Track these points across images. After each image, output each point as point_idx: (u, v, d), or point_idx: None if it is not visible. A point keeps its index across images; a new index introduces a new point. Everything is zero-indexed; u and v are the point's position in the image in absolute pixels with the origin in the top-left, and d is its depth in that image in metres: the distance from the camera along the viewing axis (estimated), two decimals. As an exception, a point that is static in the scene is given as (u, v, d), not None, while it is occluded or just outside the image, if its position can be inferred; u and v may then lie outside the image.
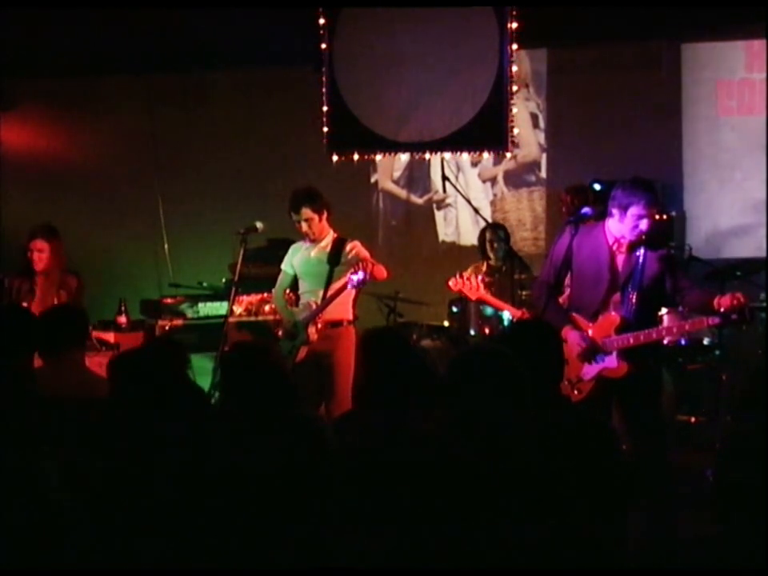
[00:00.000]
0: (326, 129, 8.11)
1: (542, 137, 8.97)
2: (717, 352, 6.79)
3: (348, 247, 6.08)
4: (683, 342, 6.97)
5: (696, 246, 7.37)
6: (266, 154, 9.19)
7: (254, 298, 7.33)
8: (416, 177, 9.26)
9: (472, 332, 7.12)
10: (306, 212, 6.06)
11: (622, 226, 4.85)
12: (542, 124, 8.95)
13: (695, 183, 8.35)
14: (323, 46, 8.06)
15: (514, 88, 7.76)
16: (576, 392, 4.84)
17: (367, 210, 9.35)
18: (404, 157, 8.70)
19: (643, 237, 4.86)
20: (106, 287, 8.35)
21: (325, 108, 8.10)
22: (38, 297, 6.15)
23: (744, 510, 3.25)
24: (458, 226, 9.17)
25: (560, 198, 7.00)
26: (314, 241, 6.16)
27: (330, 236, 6.16)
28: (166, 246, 8.97)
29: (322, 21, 8.02)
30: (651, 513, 4.70)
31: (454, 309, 7.47)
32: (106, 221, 9.39)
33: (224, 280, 7.83)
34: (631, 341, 4.80)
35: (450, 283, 6.02)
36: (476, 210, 7.28)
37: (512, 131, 7.75)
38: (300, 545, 3.25)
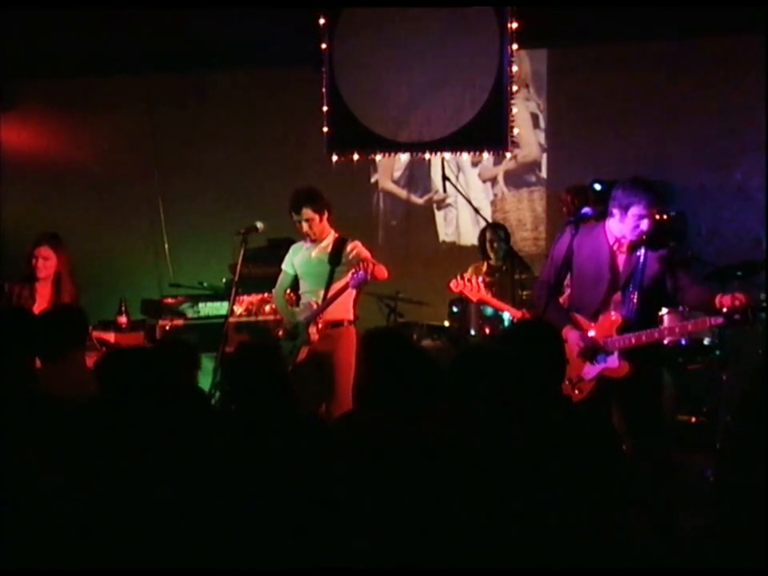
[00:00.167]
0: (325, 129, 8.11)
1: (542, 137, 8.97)
2: (717, 352, 6.78)
3: (349, 247, 6.09)
4: (683, 342, 6.97)
5: (696, 246, 7.36)
6: (266, 154, 9.19)
7: (255, 298, 7.34)
8: (416, 177, 9.26)
9: (472, 332, 7.12)
10: (307, 212, 6.07)
11: (622, 225, 4.86)
12: (542, 124, 8.95)
13: (695, 183, 8.34)
14: (323, 46, 8.06)
15: (514, 88, 7.75)
16: (577, 392, 4.84)
17: (367, 210, 9.35)
18: (404, 157, 8.70)
19: (644, 237, 4.87)
20: (106, 287, 8.36)
21: (325, 108, 8.10)
22: (37, 303, 6.15)
23: (744, 510, 3.25)
24: (459, 226, 9.17)
25: (560, 198, 7.00)
26: (315, 241, 6.16)
27: (330, 236, 6.16)
28: (166, 246, 8.97)
29: (322, 21, 8.02)
30: (651, 513, 4.70)
31: (455, 309, 7.47)
32: (105, 221, 9.40)
33: (224, 280, 7.83)
34: (633, 341, 4.81)
35: (452, 285, 6.01)
36: (476, 210, 7.27)
37: (512, 131, 7.75)
38: (300, 544, 3.25)
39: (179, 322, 7.42)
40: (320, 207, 6.11)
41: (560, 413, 3.61)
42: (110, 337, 6.66)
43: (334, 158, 8.14)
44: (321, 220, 6.11)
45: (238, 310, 7.22)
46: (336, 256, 6.08)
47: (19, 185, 9.55)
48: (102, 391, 3.81)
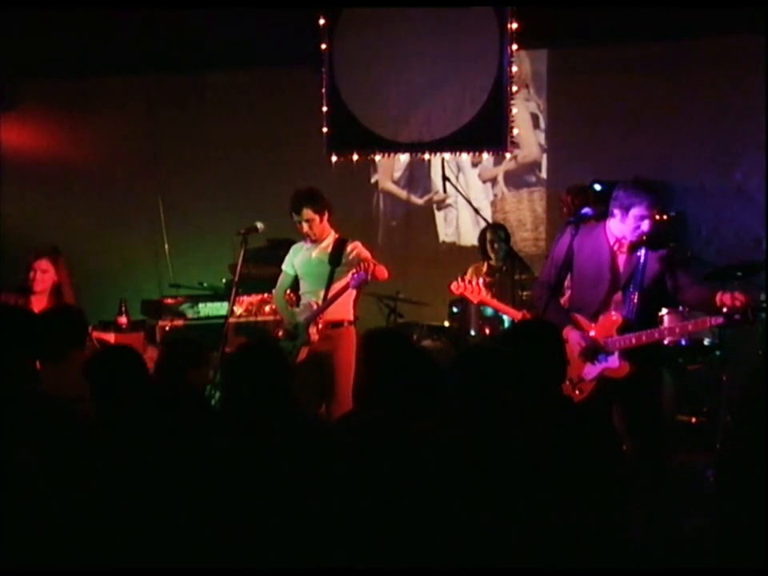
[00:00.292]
0: (325, 129, 8.11)
1: (542, 137, 8.97)
2: (717, 352, 6.78)
3: (349, 248, 6.08)
4: (684, 342, 6.97)
5: (696, 247, 7.35)
6: (266, 154, 9.19)
7: (255, 298, 7.34)
8: (416, 177, 9.25)
9: (472, 332, 7.12)
10: (308, 213, 6.06)
11: (623, 226, 4.86)
12: (542, 124, 8.95)
13: (695, 183, 8.34)
14: (323, 46, 8.06)
15: (514, 88, 7.76)
16: (577, 392, 4.84)
17: (367, 210, 9.35)
18: (404, 157, 8.70)
19: (644, 237, 4.87)
20: (106, 287, 8.36)
21: (324, 108, 8.10)
22: None
23: (744, 510, 3.25)
24: (459, 226, 9.16)
25: (560, 199, 7.00)
26: (315, 241, 6.15)
27: (331, 237, 6.16)
28: (166, 245, 8.96)
29: (322, 21, 8.02)
30: (651, 513, 4.70)
31: (455, 309, 7.47)
32: (106, 221, 9.40)
33: (224, 280, 7.83)
34: (633, 341, 4.81)
35: (452, 287, 6.00)
36: (476, 211, 7.27)
37: (512, 132, 7.75)
38: (300, 544, 3.25)
39: (179, 322, 7.42)
40: (320, 208, 6.10)
41: (561, 413, 3.61)
42: (110, 337, 6.64)
43: (334, 158, 8.14)
44: (321, 220, 6.11)
45: (238, 310, 7.22)
46: (336, 256, 6.08)
47: (19, 185, 9.54)
48: (91, 390, 3.82)
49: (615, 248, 4.92)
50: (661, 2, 7.74)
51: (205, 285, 8.00)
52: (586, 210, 5.20)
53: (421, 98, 8.01)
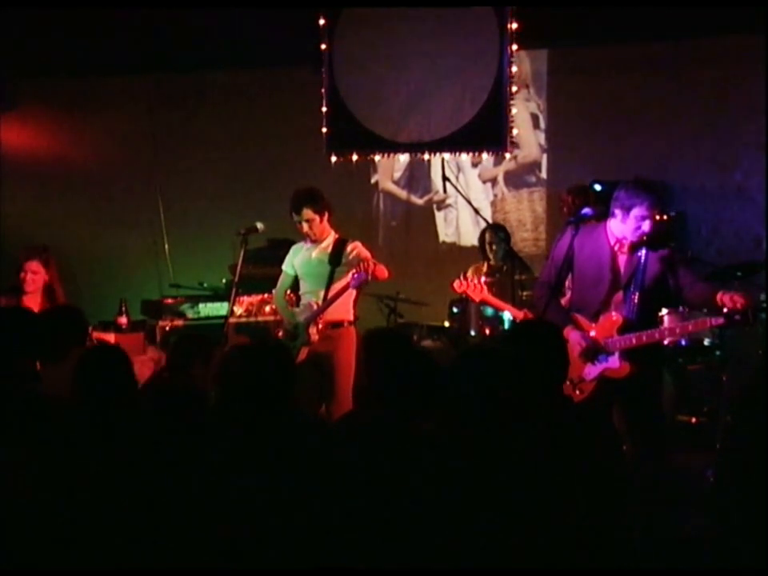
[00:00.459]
0: (325, 129, 8.11)
1: (542, 137, 8.96)
2: (717, 353, 6.79)
3: (349, 248, 6.08)
4: (684, 342, 6.97)
5: (696, 247, 7.35)
6: (266, 154, 9.19)
7: (255, 298, 7.33)
8: (416, 177, 9.25)
9: (472, 332, 7.13)
10: (308, 213, 6.06)
11: (624, 226, 4.86)
12: (542, 125, 8.95)
13: (695, 183, 8.34)
14: (323, 46, 8.05)
15: (514, 88, 7.75)
16: (578, 392, 4.85)
17: (367, 210, 9.35)
18: (403, 157, 8.70)
19: (645, 238, 4.87)
20: (106, 287, 8.36)
21: (324, 108, 8.09)
22: None
23: (744, 510, 3.25)
24: (459, 226, 9.16)
25: (561, 199, 7.00)
26: (315, 241, 6.15)
27: (331, 237, 6.16)
28: (166, 246, 8.96)
29: (322, 21, 8.02)
30: (651, 513, 4.70)
31: (455, 309, 7.47)
32: (106, 221, 9.40)
33: (224, 280, 7.83)
34: (634, 341, 4.81)
35: (455, 285, 6.03)
36: (476, 211, 7.28)
37: (511, 132, 7.75)
38: (300, 544, 3.25)
39: (179, 322, 7.41)
40: (320, 208, 6.10)
41: (561, 413, 3.61)
42: (110, 337, 6.64)
43: (333, 158, 8.14)
44: (321, 221, 6.11)
45: (238, 310, 7.21)
46: (336, 256, 6.08)
47: (19, 185, 9.54)
48: (80, 390, 3.82)
49: (616, 248, 4.93)
50: (661, 1, 7.74)
51: (205, 285, 8.00)
52: (586, 210, 5.21)
53: (421, 98, 8.01)
